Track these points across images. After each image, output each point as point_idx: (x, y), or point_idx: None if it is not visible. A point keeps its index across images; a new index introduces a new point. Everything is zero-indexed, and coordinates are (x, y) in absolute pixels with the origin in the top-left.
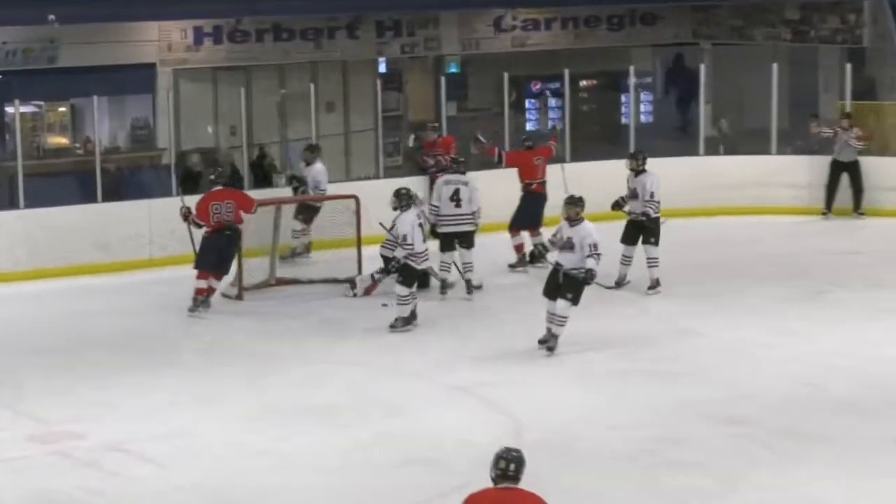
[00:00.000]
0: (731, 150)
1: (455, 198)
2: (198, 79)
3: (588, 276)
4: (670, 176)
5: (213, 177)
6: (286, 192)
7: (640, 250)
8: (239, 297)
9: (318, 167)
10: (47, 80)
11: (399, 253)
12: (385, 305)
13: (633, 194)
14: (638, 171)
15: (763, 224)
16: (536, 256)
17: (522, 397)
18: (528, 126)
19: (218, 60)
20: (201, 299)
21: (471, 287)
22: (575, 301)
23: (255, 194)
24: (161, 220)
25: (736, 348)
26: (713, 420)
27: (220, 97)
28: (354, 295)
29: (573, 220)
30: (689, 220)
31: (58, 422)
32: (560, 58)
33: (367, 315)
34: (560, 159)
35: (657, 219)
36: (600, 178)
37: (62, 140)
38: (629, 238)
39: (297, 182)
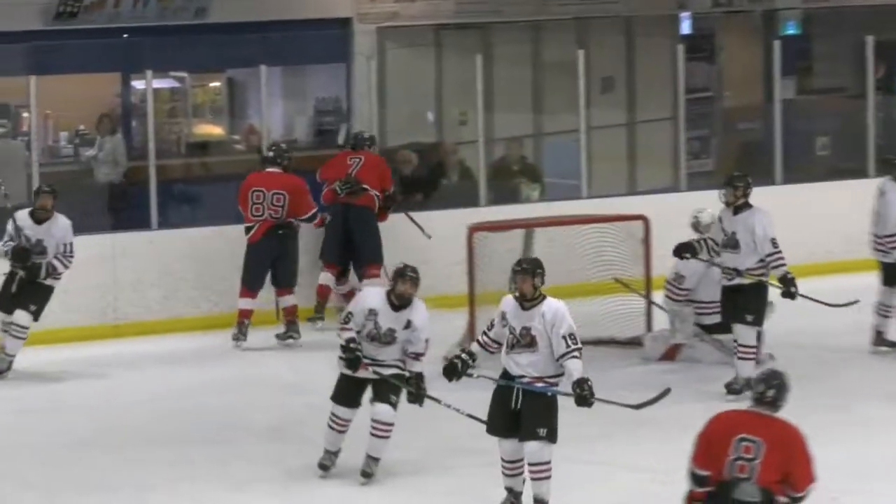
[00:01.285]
0: None
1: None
2: (413, 42)
3: (584, 392)
4: None
5: (271, 153)
6: (538, 208)
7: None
8: None
9: (64, 222)
10: (193, 43)
11: None
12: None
13: (732, 242)
14: (738, 206)
15: None
16: (457, 371)
17: None
18: None
19: (443, 15)
20: (245, 324)
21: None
22: (552, 436)
23: (495, 211)
24: (396, 245)
25: None
26: None
27: (446, 69)
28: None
29: (530, 301)
30: None
31: None
32: None
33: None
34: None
35: (786, 284)
36: None
37: (214, 129)
38: (729, 313)
39: (19, 259)
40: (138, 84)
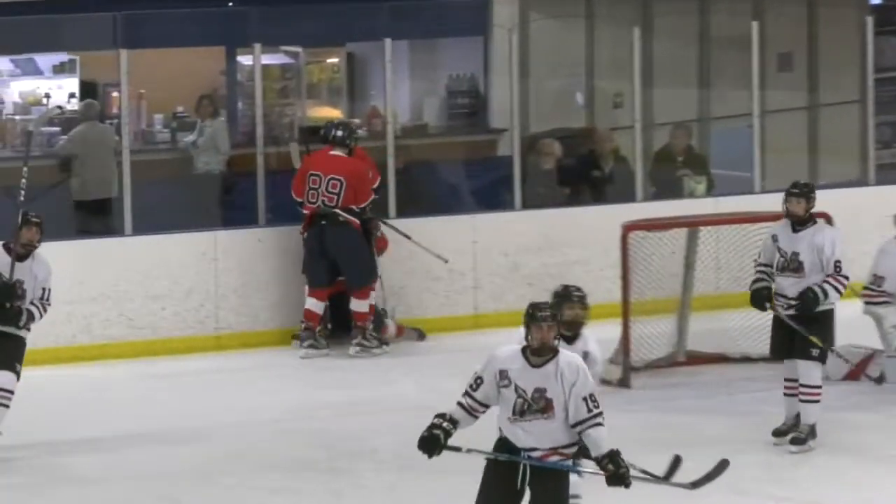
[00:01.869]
0: None
1: None
2: (560, 12)
3: (622, 469)
4: None
5: (339, 132)
6: (703, 204)
7: None
8: (624, 382)
9: (47, 260)
10: (308, 13)
11: None
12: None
13: (794, 264)
14: (804, 219)
15: None
16: (438, 443)
17: None
18: None
19: None
20: (303, 328)
21: None
22: None
23: (654, 207)
24: (537, 248)
25: None
26: None
27: (598, 44)
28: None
29: (544, 355)
30: None
31: None
32: None
33: (844, 419)
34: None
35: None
36: None
37: (331, 112)
38: (784, 346)
39: (3, 297)
40: (245, 60)
